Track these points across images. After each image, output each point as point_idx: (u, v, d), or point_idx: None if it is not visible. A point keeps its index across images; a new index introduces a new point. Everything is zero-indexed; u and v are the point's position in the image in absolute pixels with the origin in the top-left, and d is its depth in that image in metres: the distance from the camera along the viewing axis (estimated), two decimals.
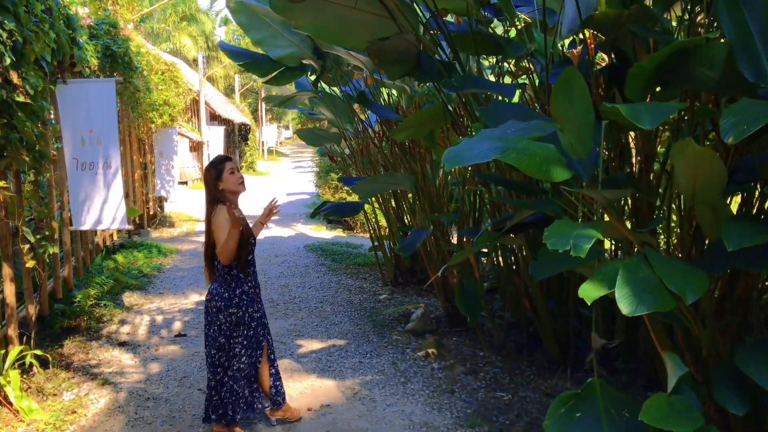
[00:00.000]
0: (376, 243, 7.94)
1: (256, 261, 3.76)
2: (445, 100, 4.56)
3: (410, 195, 7.60)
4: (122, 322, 6.02)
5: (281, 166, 33.21)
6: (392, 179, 4.72)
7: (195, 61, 27.69)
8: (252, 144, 32.08)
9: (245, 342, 3.61)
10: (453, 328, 5.84)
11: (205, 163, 23.82)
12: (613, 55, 3.90)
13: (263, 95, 43.71)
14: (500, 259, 5.23)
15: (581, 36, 4.96)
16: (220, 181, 3.55)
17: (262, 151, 39.36)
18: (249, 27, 6.23)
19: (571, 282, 4.68)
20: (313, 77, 8.17)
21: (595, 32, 3.79)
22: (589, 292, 2.38)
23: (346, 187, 12.57)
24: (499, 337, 5.15)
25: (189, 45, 32.42)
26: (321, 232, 12.79)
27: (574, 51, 3.60)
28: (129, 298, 6.95)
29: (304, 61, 6.78)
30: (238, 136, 30.53)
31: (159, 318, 6.25)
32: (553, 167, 2.47)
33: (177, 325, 6.02)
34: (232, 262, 3.54)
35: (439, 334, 5.66)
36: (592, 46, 3.86)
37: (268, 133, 43.73)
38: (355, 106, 7.86)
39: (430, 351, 5.16)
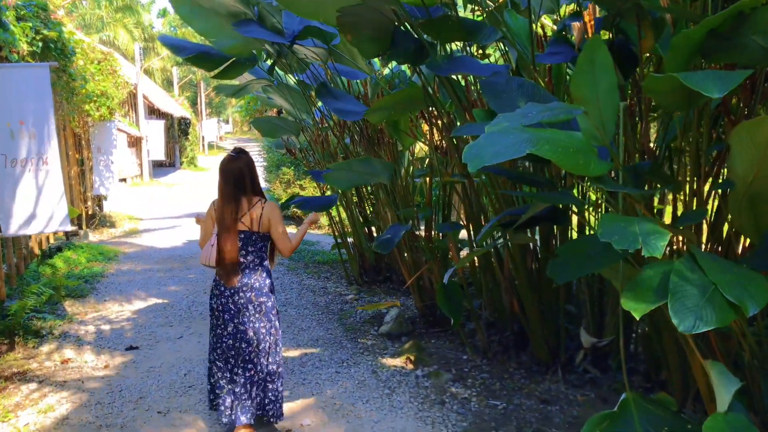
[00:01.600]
0: (338, 240, 7.51)
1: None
2: (424, 82, 4.17)
3: (367, 188, 7.22)
4: (64, 336, 5.40)
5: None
6: (368, 168, 4.30)
7: (131, 54, 26.46)
8: (193, 138, 30.97)
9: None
10: (430, 329, 5.48)
11: (145, 159, 22.80)
12: (611, 34, 3.61)
13: (203, 88, 42.51)
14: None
15: (563, 13, 4.68)
16: None
17: (203, 146, 38.16)
18: (192, 17, 5.66)
19: None
20: (269, 62, 7.69)
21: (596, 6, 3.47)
22: (635, 305, 2.04)
23: (298, 181, 12.08)
24: (484, 339, 4.81)
25: (124, 37, 30.98)
26: None
27: (577, 24, 3.25)
28: (71, 307, 6.30)
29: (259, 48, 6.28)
30: (178, 130, 29.40)
31: (106, 328, 5.65)
32: (589, 160, 2.12)
33: (128, 336, 5.45)
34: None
35: (416, 337, 5.29)
36: (591, 22, 3.54)
37: (209, 128, 42.45)
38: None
39: (410, 356, 4.78)
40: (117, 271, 8.21)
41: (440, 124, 4.62)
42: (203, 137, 38.00)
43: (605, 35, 3.66)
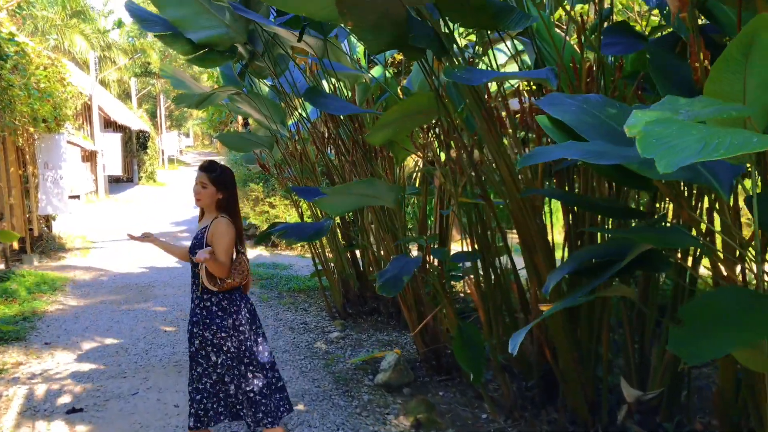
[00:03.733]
0: (318, 266, 6.63)
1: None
2: (436, 87, 3.37)
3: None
4: None
5: (183, 175, 30.92)
6: (370, 190, 3.46)
7: (86, 63, 25.11)
8: (152, 152, 29.65)
9: None
10: (435, 377, 4.65)
11: (100, 173, 21.51)
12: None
13: (163, 100, 41.17)
14: (487, 283, 4.07)
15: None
16: None
17: (162, 160, 36.76)
18: (165, 2, 4.81)
19: (596, 311, 3.62)
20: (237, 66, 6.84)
21: None
22: None
23: (267, 198, 11.15)
24: (509, 394, 3.99)
25: (81, 45, 29.52)
26: None
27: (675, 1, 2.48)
28: (1, 354, 5.29)
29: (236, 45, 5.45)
30: (136, 144, 28.10)
31: (43, 385, 4.66)
32: None
33: (69, 393, 4.47)
34: None
35: (420, 388, 4.46)
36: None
37: (169, 141, 41.04)
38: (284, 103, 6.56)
39: (418, 417, 3.93)
40: (63, 305, 7.17)
41: (452, 136, 3.81)
42: (163, 151, 36.62)
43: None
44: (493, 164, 3.49)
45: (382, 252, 6.27)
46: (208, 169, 3.30)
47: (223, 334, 3.20)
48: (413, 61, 3.61)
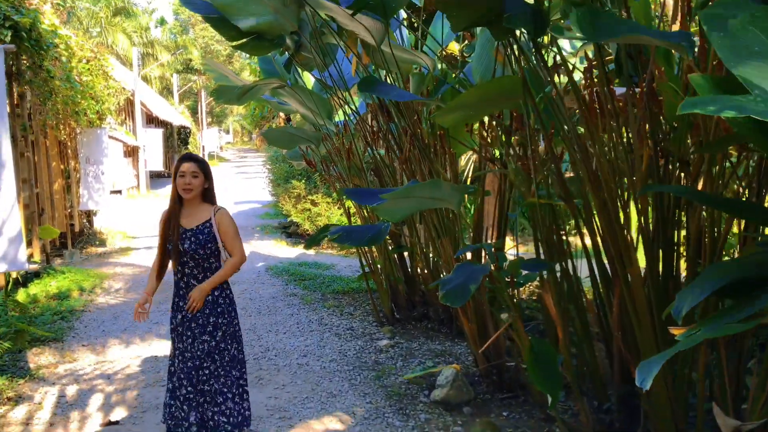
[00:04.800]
0: (366, 268, 6.26)
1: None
2: (524, 69, 2.96)
3: None
4: (18, 401, 4.16)
5: (224, 171, 30.92)
6: (434, 192, 3.08)
7: (129, 60, 25.28)
8: (193, 148, 29.78)
9: None
10: (497, 395, 4.24)
11: (141, 169, 21.59)
12: None
13: (204, 96, 41.44)
14: (556, 289, 3.64)
15: None
16: (174, 180, 3.39)
17: (204, 155, 36.98)
18: None
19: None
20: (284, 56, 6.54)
21: None
22: None
23: (309, 196, 10.85)
24: (589, 420, 3.56)
25: (124, 42, 29.78)
26: (281, 249, 10.99)
27: None
28: (37, 356, 5.06)
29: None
30: (177, 140, 28.27)
31: (77, 390, 4.41)
32: None
33: (105, 402, 4.20)
34: None
35: (481, 406, 4.05)
36: None
37: (209, 137, 41.33)
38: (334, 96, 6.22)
39: None
40: (102, 303, 6.96)
41: (530, 129, 3.40)
42: (204, 147, 36.83)
43: None
44: (578, 158, 3.07)
45: (431, 255, 5.89)
46: (195, 159, 3.39)
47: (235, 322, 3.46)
48: (498, 40, 3.21)
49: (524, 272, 3.62)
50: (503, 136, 3.84)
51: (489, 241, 5.70)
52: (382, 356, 5.08)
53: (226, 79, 6.18)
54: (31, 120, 7.65)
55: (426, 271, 6.02)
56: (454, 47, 6.77)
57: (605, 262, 3.66)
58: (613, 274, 3.53)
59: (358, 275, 8.17)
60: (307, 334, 5.67)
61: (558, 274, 3.66)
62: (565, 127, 3.10)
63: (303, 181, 11.02)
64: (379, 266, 6.24)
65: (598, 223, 3.52)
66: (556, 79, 3.61)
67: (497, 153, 5.44)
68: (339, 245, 10.64)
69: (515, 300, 3.67)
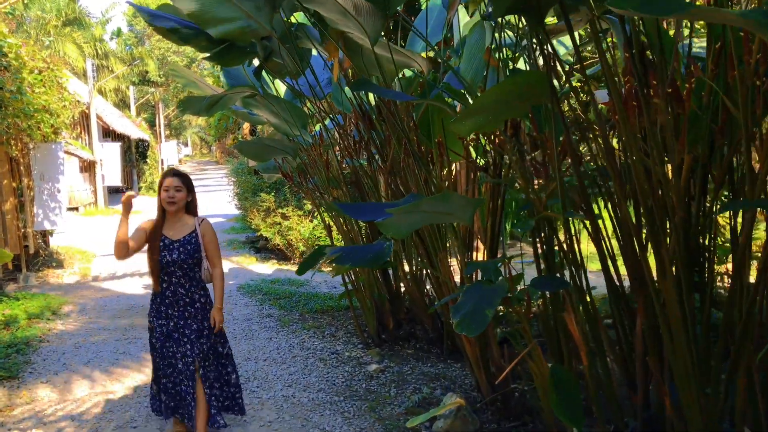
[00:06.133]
0: (349, 285, 5.89)
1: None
2: (548, 61, 2.66)
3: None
4: None
5: None
6: (443, 206, 2.74)
7: (83, 72, 24.33)
8: (152, 162, 28.91)
9: None
10: (503, 423, 3.92)
11: (99, 184, 20.78)
12: None
13: (162, 109, 40.50)
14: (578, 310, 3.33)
15: None
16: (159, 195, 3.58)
17: (162, 169, 36.01)
18: None
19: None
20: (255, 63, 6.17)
21: None
22: None
23: (279, 209, 10.41)
24: None
25: (74, 55, 28.74)
26: (252, 265, 10.52)
27: None
28: None
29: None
30: (135, 153, 27.42)
31: None
32: None
33: None
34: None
35: None
36: None
37: (168, 150, 40.30)
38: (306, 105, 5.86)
39: None
40: (61, 331, 6.42)
41: (541, 133, 3.09)
42: (163, 160, 35.88)
43: None
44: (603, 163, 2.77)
45: (417, 269, 5.57)
46: (179, 174, 3.63)
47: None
48: (532, 30, 2.90)
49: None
50: (511, 142, 3.54)
51: (476, 254, 5.41)
52: (373, 383, 4.71)
53: (194, 86, 5.76)
54: None
55: (411, 286, 5.68)
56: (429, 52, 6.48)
57: (609, 273, 3.39)
58: (634, 289, 3.25)
59: (337, 293, 7.81)
60: (289, 360, 5.26)
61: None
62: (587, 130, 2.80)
63: (272, 194, 10.59)
64: (361, 283, 5.88)
65: (618, 234, 3.25)
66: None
67: (481, 161, 5.15)
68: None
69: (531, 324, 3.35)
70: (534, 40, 4.02)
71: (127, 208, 3.41)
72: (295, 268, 10.21)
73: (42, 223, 9.64)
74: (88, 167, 20.54)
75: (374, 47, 3.78)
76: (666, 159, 2.66)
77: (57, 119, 8.97)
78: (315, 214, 9.98)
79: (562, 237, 3.49)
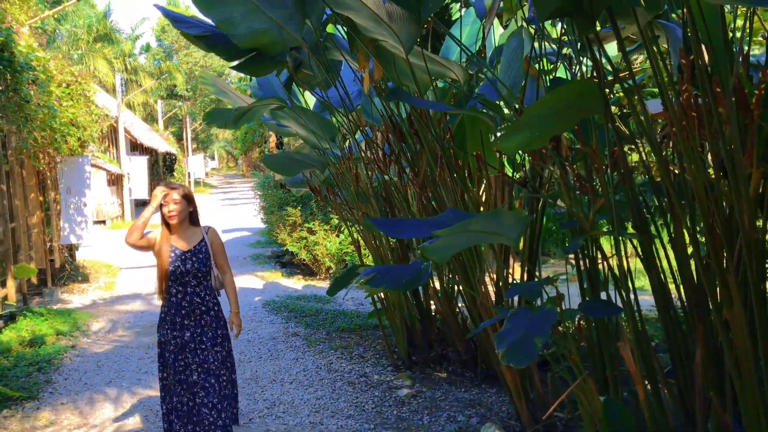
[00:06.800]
0: (378, 304, 5.67)
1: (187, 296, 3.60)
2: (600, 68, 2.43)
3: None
4: None
5: (211, 198, 30.25)
6: (492, 225, 2.52)
7: (112, 87, 24.58)
8: (179, 175, 29.10)
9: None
10: None
11: (126, 198, 20.88)
12: None
13: (189, 122, 40.91)
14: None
15: None
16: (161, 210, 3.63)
17: (189, 183, 36.25)
18: (208, 2, 3.96)
19: None
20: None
21: None
22: None
23: (306, 224, 10.25)
24: None
25: (104, 70, 29.13)
26: (277, 280, 10.36)
27: None
28: (8, 419, 4.39)
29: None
30: (163, 167, 27.62)
31: None
32: None
33: None
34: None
35: None
36: None
37: (195, 164, 40.61)
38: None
39: None
40: (84, 349, 6.29)
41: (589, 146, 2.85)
42: (190, 174, 36.14)
43: None
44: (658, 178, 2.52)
45: (448, 286, 5.33)
46: (174, 187, 3.67)
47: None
48: (583, 33, 2.69)
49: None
50: (553, 155, 3.30)
51: (509, 272, 5.14)
52: (404, 409, 4.47)
53: (225, 95, 5.63)
54: (6, 149, 7.05)
55: (443, 305, 5.44)
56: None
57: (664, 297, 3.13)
58: (693, 314, 2.99)
59: (364, 310, 7.60)
60: (316, 383, 5.04)
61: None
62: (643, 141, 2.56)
63: (299, 208, 10.43)
64: (391, 301, 5.65)
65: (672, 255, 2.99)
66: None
67: (517, 175, 4.90)
68: (338, 274, 10.03)
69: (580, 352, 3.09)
70: (576, 46, 3.80)
71: (159, 200, 3.57)
72: (321, 283, 10.05)
73: (68, 237, 9.60)
74: (116, 180, 20.68)
75: (408, 56, 3.58)
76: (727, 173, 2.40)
77: (84, 132, 8.94)
78: (342, 229, 9.79)
79: (606, 254, 3.25)
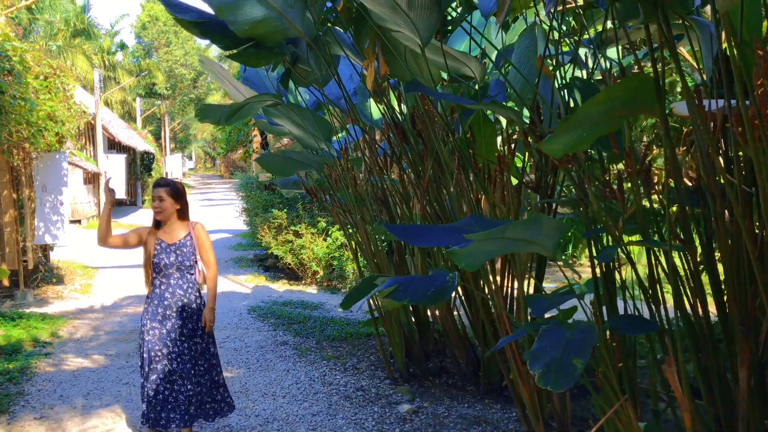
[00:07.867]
0: (375, 313, 5.39)
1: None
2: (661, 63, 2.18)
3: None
4: None
5: (189, 199, 29.66)
6: (529, 232, 2.26)
7: (90, 84, 23.93)
8: (156, 175, 28.49)
9: None
10: None
11: (103, 197, 20.32)
12: None
13: (167, 121, 40.26)
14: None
15: None
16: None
17: None
18: None
19: None
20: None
21: None
22: None
23: (293, 227, 9.92)
24: None
25: (83, 66, 28.40)
26: (262, 284, 10.02)
27: None
28: None
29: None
30: (140, 166, 26.99)
31: None
32: None
33: None
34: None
35: None
36: None
37: (173, 163, 39.96)
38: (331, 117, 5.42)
39: None
40: (60, 358, 5.90)
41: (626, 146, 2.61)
42: (167, 173, 35.50)
43: None
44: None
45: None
46: (164, 184, 3.76)
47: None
48: (646, 19, 2.43)
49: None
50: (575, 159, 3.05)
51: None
52: (406, 427, 4.19)
53: (223, 81, 5.33)
54: None
55: (444, 314, 5.17)
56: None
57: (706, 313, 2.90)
58: (735, 335, 2.75)
59: (353, 317, 7.32)
60: (311, 398, 4.74)
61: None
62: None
63: (284, 210, 10.10)
64: (390, 309, 5.36)
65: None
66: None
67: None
68: (326, 279, 9.74)
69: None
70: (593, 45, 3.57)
71: (110, 193, 3.76)
72: (307, 288, 9.73)
73: (43, 236, 9.14)
74: (92, 179, 20.12)
75: (425, 49, 3.31)
76: None
77: (62, 127, 8.52)
78: (330, 233, 9.48)
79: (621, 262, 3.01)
